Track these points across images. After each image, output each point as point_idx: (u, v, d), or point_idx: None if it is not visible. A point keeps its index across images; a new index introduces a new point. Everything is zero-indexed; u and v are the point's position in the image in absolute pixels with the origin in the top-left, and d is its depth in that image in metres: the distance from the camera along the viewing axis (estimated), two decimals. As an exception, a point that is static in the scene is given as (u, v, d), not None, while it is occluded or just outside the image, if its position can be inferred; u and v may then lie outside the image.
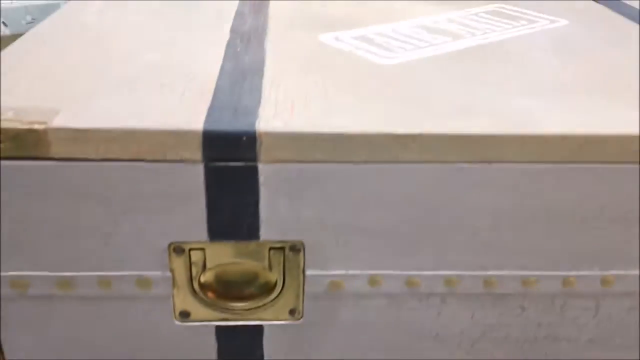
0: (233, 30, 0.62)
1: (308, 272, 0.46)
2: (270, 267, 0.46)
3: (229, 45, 0.58)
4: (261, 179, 0.42)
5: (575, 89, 0.51)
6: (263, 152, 0.42)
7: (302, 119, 0.44)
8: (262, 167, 0.42)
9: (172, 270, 0.45)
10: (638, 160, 0.44)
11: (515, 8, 0.77)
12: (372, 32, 0.65)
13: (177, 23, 0.64)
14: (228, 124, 0.42)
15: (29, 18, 0.96)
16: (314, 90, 0.48)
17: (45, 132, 0.40)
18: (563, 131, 0.44)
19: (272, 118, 0.43)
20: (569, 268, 0.47)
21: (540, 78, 0.54)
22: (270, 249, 0.45)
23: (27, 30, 0.62)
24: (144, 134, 0.41)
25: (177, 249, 0.44)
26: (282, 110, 0.44)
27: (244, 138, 0.41)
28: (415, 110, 0.45)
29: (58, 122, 0.41)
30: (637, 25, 0.71)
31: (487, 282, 0.47)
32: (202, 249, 0.45)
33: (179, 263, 0.45)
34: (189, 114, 0.43)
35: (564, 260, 0.47)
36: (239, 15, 0.67)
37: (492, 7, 0.76)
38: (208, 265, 0.45)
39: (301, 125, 0.43)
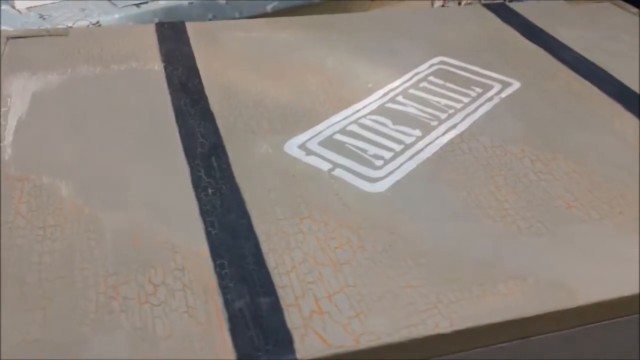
0: (189, 156, 0.55)
1: None
2: None
3: (197, 187, 0.52)
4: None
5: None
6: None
7: (336, 328, 0.40)
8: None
9: None
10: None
11: (456, 62, 0.74)
12: (333, 130, 0.60)
13: (119, 151, 0.55)
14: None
15: (156, 20, 0.90)
16: (327, 272, 0.45)
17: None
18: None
19: (305, 337, 0.39)
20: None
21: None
22: None
23: None
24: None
25: None
26: (309, 316, 0.41)
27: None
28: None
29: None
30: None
31: None
32: None
33: None
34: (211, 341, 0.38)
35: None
36: (182, 123, 0.59)
37: (435, 66, 0.73)
38: None
39: (341, 338, 0.39)
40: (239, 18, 1.09)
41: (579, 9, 0.91)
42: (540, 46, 0.79)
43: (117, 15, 0.99)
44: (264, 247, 0.45)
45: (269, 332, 0.38)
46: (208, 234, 0.46)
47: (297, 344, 0.38)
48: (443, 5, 1.25)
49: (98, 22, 0.97)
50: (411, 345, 0.39)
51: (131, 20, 1.00)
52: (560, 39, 0.81)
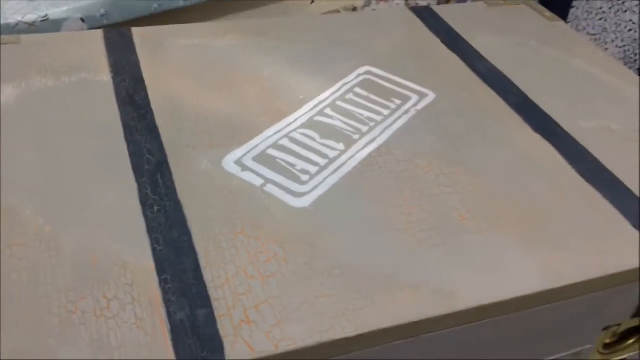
0: (137, 173, 0.63)
1: None
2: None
3: (144, 204, 0.60)
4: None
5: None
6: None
7: (260, 335, 0.49)
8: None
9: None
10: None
11: (380, 72, 0.83)
12: (267, 144, 0.69)
13: (74, 169, 0.62)
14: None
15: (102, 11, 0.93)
16: (255, 284, 0.53)
17: None
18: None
19: (235, 344, 0.48)
20: None
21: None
22: None
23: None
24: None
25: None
26: (238, 324, 0.50)
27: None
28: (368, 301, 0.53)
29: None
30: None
31: None
32: None
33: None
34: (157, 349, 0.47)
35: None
36: (130, 139, 0.67)
37: (362, 77, 0.81)
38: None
39: (264, 344, 0.48)
40: (183, 6, 1.14)
41: (497, 11, 0.99)
42: (458, 55, 0.87)
43: (65, 8, 1.03)
44: (203, 262, 0.54)
45: (204, 341, 0.48)
46: (154, 251, 0.54)
47: (228, 351, 0.47)
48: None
49: (46, 15, 1.01)
50: (321, 348, 0.49)
51: (78, 12, 1.04)
52: (477, 47, 0.88)
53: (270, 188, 0.62)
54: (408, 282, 0.53)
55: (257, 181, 0.63)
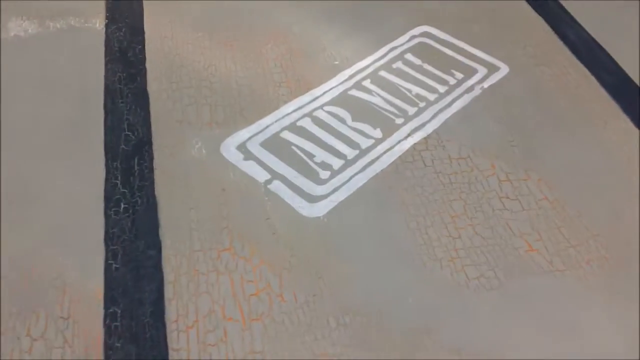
0: (109, 155, 0.51)
1: None
2: None
3: (108, 200, 0.48)
4: None
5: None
6: None
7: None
8: None
9: None
10: None
11: (441, 35, 0.65)
12: (282, 125, 0.53)
13: (36, 148, 0.50)
14: None
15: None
16: (234, 329, 0.40)
17: None
18: None
19: None
20: None
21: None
22: None
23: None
24: None
25: None
26: None
27: None
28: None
29: None
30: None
31: None
32: None
33: None
34: None
35: None
36: (111, 108, 0.54)
37: (416, 39, 0.64)
38: None
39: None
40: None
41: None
42: (544, 18, 0.70)
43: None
44: (169, 291, 0.39)
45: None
46: (107, 269, 0.40)
47: None
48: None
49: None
50: None
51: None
52: (570, 10, 0.70)
53: (276, 186, 0.47)
54: (445, 343, 0.37)
55: (262, 175, 0.47)
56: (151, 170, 0.50)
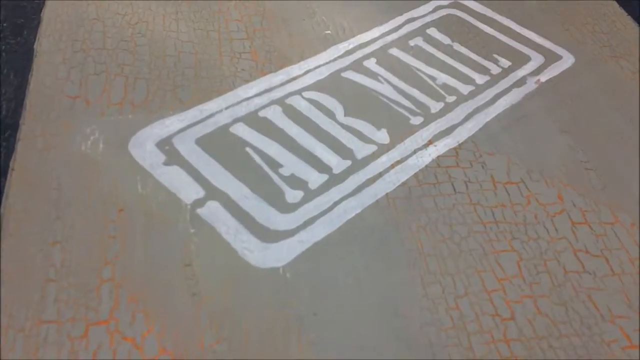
0: None
1: None
2: None
3: None
4: None
5: None
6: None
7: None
8: None
9: None
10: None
11: (478, 6, 0.54)
12: (235, 114, 0.42)
13: None
14: None
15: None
16: None
17: None
18: None
19: None
20: None
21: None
22: None
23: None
24: None
25: None
26: None
27: None
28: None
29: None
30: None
31: None
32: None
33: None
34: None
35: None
36: None
37: (443, 10, 0.49)
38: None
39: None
40: None
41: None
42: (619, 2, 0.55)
43: None
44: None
45: None
46: None
47: None
48: None
49: None
50: None
51: None
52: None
53: (211, 211, 0.34)
54: None
55: (190, 191, 0.33)
56: (5, 172, 0.31)
